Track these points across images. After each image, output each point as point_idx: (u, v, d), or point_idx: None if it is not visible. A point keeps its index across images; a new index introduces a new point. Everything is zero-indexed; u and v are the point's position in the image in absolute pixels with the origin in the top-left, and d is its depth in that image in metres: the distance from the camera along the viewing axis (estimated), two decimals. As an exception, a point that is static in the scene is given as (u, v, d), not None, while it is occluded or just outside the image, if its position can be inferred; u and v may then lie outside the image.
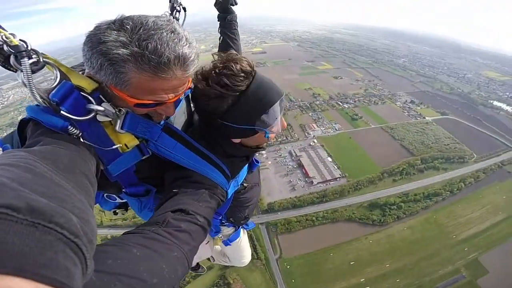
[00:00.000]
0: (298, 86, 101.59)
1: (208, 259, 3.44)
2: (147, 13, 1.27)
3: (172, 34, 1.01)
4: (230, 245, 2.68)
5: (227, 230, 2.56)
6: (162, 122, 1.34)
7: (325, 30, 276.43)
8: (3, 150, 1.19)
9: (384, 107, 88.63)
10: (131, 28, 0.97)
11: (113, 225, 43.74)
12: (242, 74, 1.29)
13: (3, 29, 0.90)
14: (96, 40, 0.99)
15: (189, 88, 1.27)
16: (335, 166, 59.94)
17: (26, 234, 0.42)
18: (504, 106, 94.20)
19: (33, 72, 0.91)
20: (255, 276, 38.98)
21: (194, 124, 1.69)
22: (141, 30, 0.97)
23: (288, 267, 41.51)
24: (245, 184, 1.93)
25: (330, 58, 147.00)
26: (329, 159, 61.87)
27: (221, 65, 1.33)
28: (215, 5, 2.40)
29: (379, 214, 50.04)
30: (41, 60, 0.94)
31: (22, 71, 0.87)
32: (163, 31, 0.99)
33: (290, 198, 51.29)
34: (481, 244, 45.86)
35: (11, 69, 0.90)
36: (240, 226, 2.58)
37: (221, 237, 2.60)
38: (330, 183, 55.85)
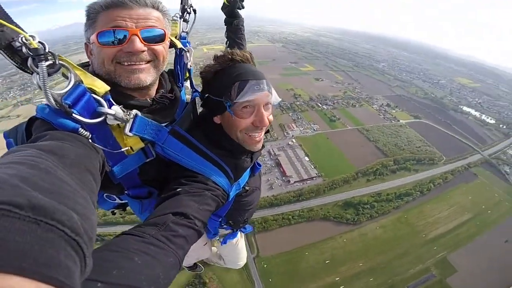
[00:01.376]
0: (280, 86, 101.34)
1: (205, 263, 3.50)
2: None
3: None
4: (225, 244, 2.67)
5: (224, 232, 2.55)
6: (169, 126, 1.40)
7: (311, 33, 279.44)
8: (7, 143, 1.24)
9: (361, 109, 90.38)
10: None
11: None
12: (234, 56, 1.45)
13: (23, 30, 0.89)
14: (87, 9, 1.24)
15: (162, 32, 1.35)
16: (312, 166, 60.41)
17: (28, 231, 0.42)
18: (472, 111, 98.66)
19: (49, 75, 0.91)
20: (231, 275, 38.38)
21: (197, 123, 1.70)
22: None
23: (265, 266, 41.24)
24: (246, 188, 1.88)
25: (313, 60, 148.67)
26: (306, 158, 62.32)
27: (232, 48, 1.57)
28: (222, 9, 2.41)
29: (353, 213, 50.69)
30: (57, 63, 0.94)
31: (38, 73, 0.87)
32: None
33: (268, 196, 50.89)
34: (449, 243, 47.27)
35: (27, 71, 0.89)
36: (238, 229, 2.55)
37: (218, 238, 2.62)
38: (307, 182, 56.21)
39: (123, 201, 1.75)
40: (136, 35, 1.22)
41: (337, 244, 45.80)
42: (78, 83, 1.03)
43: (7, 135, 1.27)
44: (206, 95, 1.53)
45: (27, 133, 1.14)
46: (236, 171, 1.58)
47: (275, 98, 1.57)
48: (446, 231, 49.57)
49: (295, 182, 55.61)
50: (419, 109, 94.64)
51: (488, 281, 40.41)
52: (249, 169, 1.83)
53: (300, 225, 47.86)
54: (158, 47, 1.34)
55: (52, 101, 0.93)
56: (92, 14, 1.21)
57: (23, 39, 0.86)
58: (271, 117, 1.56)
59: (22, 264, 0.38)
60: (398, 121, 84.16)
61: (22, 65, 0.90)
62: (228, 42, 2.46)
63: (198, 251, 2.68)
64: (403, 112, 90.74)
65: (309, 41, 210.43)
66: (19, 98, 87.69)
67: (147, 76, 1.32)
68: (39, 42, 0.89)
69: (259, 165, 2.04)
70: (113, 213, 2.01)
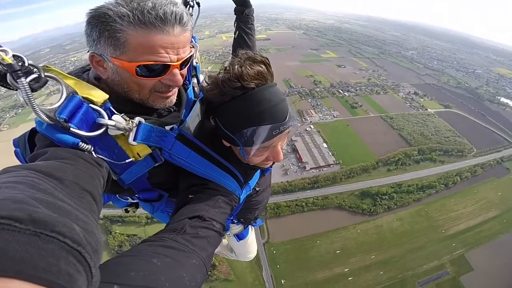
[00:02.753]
0: (299, 73, 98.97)
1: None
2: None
3: (169, 0, 1.06)
4: (239, 242, 2.69)
5: (236, 228, 2.54)
6: (176, 130, 1.30)
7: (334, 20, 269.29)
8: (15, 152, 1.21)
9: (386, 97, 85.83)
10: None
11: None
12: (245, 83, 1.19)
13: None
14: (94, 12, 1.01)
15: (191, 54, 1.24)
16: (329, 153, 58.42)
17: (28, 242, 0.42)
18: (511, 102, 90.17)
19: (34, 90, 0.83)
20: (241, 263, 38.18)
21: (204, 127, 1.57)
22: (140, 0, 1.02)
23: (274, 252, 40.54)
24: (257, 188, 1.87)
25: (335, 47, 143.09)
26: (325, 145, 60.32)
27: (242, 60, 1.25)
28: None
29: (369, 203, 48.40)
30: (43, 76, 0.85)
31: (21, 90, 0.80)
32: None
33: (282, 182, 49.65)
34: (470, 240, 43.84)
35: (11, 88, 0.81)
36: (249, 225, 2.57)
37: (229, 234, 2.61)
38: (323, 169, 54.45)
39: (135, 200, 1.70)
40: (177, 68, 1.16)
41: (350, 234, 44.09)
42: (72, 94, 0.96)
43: (16, 143, 1.21)
44: (213, 118, 1.38)
45: (29, 144, 1.13)
46: (246, 174, 1.53)
47: (294, 127, 1.35)
48: (467, 227, 45.91)
49: (311, 168, 54.00)
50: (450, 99, 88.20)
51: (504, 283, 37.14)
52: (259, 170, 1.73)
53: (313, 213, 46.51)
54: (186, 69, 1.29)
55: (44, 117, 0.87)
56: (118, 30, 0.99)
57: None
58: (284, 144, 1.44)
59: (22, 269, 0.38)
60: (426, 109, 78.88)
61: (2, 81, 0.80)
62: (237, 32, 2.31)
63: None
64: (432, 101, 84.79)
65: (331, 28, 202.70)
66: (52, 88, 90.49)
67: (175, 96, 1.32)
68: (14, 55, 0.79)
69: (270, 166, 1.76)
70: (126, 211, 1.90)
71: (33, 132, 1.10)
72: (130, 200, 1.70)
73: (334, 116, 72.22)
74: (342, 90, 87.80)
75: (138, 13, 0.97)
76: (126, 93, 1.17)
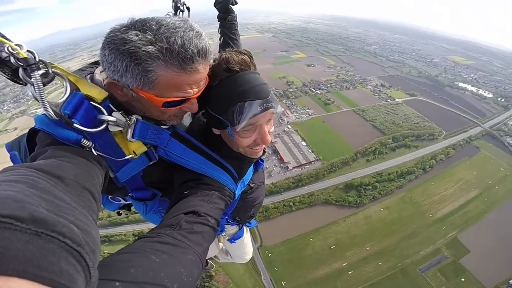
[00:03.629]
0: (272, 76, 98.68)
1: (212, 260, 3.64)
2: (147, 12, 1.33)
3: (192, 31, 1.03)
4: (234, 243, 2.68)
5: (231, 229, 2.52)
6: (170, 128, 1.33)
7: (300, 21, 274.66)
8: (11, 157, 1.19)
9: (355, 91, 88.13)
10: (155, 27, 0.97)
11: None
12: (230, 66, 1.26)
13: (8, 39, 0.82)
14: (119, 42, 0.96)
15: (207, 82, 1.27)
16: (309, 150, 58.44)
17: (30, 241, 0.42)
18: (469, 87, 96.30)
19: (44, 84, 0.85)
20: (237, 267, 36.82)
21: (197, 124, 1.65)
22: (163, 29, 0.97)
23: (269, 255, 39.83)
24: (251, 185, 1.88)
25: (303, 47, 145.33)
26: (304, 143, 60.34)
27: (229, 51, 1.34)
28: (215, 5, 2.35)
29: (355, 195, 48.65)
30: (50, 71, 0.88)
31: (32, 84, 0.81)
32: (183, 28, 1.01)
33: (267, 184, 48.25)
34: (458, 222, 44.87)
35: (20, 82, 0.83)
36: (244, 225, 2.53)
37: (224, 235, 2.60)
38: (305, 167, 54.30)
39: (128, 202, 1.70)
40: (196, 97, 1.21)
41: (341, 228, 43.87)
42: (75, 91, 0.98)
43: (10, 147, 1.22)
44: (204, 108, 1.40)
45: (28, 145, 1.14)
46: (240, 169, 1.55)
47: (278, 110, 1.41)
48: (453, 209, 47.08)
49: (293, 168, 53.66)
50: (414, 87, 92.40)
51: (502, 260, 37.95)
52: (252, 166, 1.78)
53: (301, 212, 46.07)
54: None
55: (51, 112, 0.88)
56: (149, 70, 0.99)
57: (9, 48, 0.78)
58: (272, 129, 1.47)
59: (24, 268, 0.39)
60: (394, 99, 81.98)
61: (14, 76, 0.82)
62: (222, 38, 2.37)
63: None
64: (398, 91, 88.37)
65: (298, 29, 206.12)
66: (14, 111, 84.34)
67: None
68: (28, 50, 0.81)
69: (262, 161, 1.93)
70: (119, 214, 1.87)
71: (31, 133, 1.08)
72: (122, 201, 1.66)
73: (309, 114, 72.67)
74: (314, 88, 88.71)
75: (169, 55, 0.97)
76: (143, 114, 1.19)
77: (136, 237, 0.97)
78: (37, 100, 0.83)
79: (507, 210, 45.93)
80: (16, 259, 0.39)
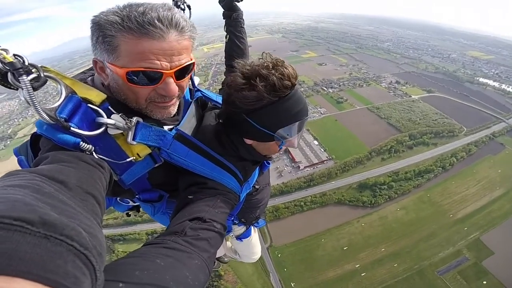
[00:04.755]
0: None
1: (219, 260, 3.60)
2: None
3: (163, 7, 1.02)
4: (242, 242, 2.69)
5: (238, 229, 2.51)
6: (173, 131, 1.30)
7: (310, 21, 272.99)
8: (18, 161, 1.20)
9: (369, 89, 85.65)
10: (127, 4, 1.01)
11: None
12: (288, 83, 1.25)
13: None
14: (94, 21, 1.01)
15: (191, 63, 1.20)
16: (321, 149, 57.33)
17: (38, 244, 0.43)
18: (490, 82, 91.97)
19: (35, 89, 0.84)
20: (246, 267, 35.94)
21: (205, 124, 1.60)
22: (135, 5, 1.00)
23: (279, 255, 38.67)
24: (256, 186, 1.89)
25: (314, 47, 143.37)
26: (315, 142, 59.32)
27: (271, 65, 1.27)
28: (220, 2, 2.32)
29: (369, 195, 46.88)
30: (42, 75, 0.86)
31: (22, 89, 0.81)
32: (157, 5, 1.02)
33: (277, 184, 47.66)
34: (481, 222, 42.19)
35: (11, 87, 0.82)
36: (251, 225, 2.54)
37: (232, 235, 2.61)
38: (317, 166, 53.32)
39: (136, 203, 1.68)
40: (171, 76, 1.11)
41: (355, 229, 42.20)
42: (71, 94, 0.98)
43: (17, 152, 1.22)
44: (245, 118, 1.33)
45: (32, 150, 1.15)
46: (245, 172, 1.52)
47: None
48: (475, 209, 44.22)
49: (305, 167, 52.67)
50: (432, 84, 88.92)
51: None
52: (258, 168, 1.75)
53: (313, 212, 44.83)
54: (186, 80, 1.25)
55: (46, 116, 0.88)
56: (110, 36, 0.99)
57: None
58: None
59: (30, 269, 0.39)
60: (410, 96, 79.07)
61: (3, 81, 0.81)
62: (228, 36, 2.33)
63: None
64: (415, 88, 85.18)
65: (308, 29, 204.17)
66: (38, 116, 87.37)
67: (175, 108, 1.30)
68: (15, 55, 0.80)
69: (268, 163, 1.87)
70: (128, 215, 1.92)
71: (34, 137, 1.09)
72: (131, 203, 1.64)
73: (321, 113, 71.33)
74: (325, 87, 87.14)
75: (127, 19, 0.96)
76: (124, 101, 1.16)
77: (142, 245, 0.97)
78: (29, 104, 0.83)
79: (535, 210, 42.56)
80: (22, 260, 0.40)
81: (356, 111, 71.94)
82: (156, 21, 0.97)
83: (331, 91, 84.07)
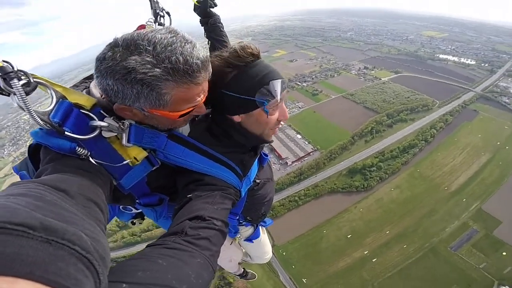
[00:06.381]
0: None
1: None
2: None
3: (187, 43, 1.01)
4: (252, 243, 2.60)
5: (245, 230, 2.40)
6: (166, 131, 1.33)
7: (276, 20, 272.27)
8: (20, 177, 1.19)
9: (340, 78, 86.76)
10: (151, 48, 0.94)
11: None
12: (249, 50, 1.32)
13: None
14: (121, 70, 0.93)
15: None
16: (305, 142, 56.67)
17: (41, 248, 0.44)
18: (450, 57, 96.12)
19: (27, 94, 0.82)
20: (254, 270, 33.20)
21: (196, 122, 1.60)
22: (159, 48, 0.94)
23: (284, 253, 37.52)
24: (257, 181, 1.82)
25: (283, 45, 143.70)
26: (299, 136, 58.65)
27: (237, 44, 1.38)
28: (195, 10, 2.33)
29: (360, 179, 46.23)
30: (32, 81, 0.85)
31: (15, 94, 0.79)
32: (179, 43, 0.98)
33: (268, 183, 45.39)
34: (478, 192, 41.69)
35: (3, 93, 0.81)
36: (258, 224, 2.44)
37: (239, 237, 2.51)
38: (304, 159, 52.57)
39: (139, 210, 1.66)
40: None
41: (354, 215, 41.12)
42: (61, 99, 0.96)
43: (17, 169, 1.22)
44: (223, 92, 1.35)
45: (32, 162, 1.13)
46: (244, 166, 1.49)
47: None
48: (468, 178, 44.02)
49: (292, 162, 51.84)
50: (397, 65, 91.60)
51: None
52: (256, 161, 1.70)
53: (309, 204, 43.75)
54: None
55: (40, 121, 0.86)
56: (163, 93, 1.01)
57: None
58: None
59: (31, 271, 0.40)
60: (380, 79, 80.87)
61: None
62: (210, 42, 2.32)
63: (227, 251, 2.65)
64: (383, 71, 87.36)
65: (275, 28, 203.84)
66: (15, 154, 78.02)
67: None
68: (3, 60, 0.79)
69: (266, 156, 1.86)
70: (133, 223, 1.86)
71: (33, 149, 1.06)
72: (133, 210, 1.63)
73: (299, 107, 71.17)
74: (299, 82, 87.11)
75: (177, 75, 0.97)
76: (155, 127, 1.21)
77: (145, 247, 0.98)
78: (23, 110, 0.81)
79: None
80: (24, 262, 0.40)
81: (332, 100, 72.12)
82: (200, 69, 1.03)
83: (305, 85, 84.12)
